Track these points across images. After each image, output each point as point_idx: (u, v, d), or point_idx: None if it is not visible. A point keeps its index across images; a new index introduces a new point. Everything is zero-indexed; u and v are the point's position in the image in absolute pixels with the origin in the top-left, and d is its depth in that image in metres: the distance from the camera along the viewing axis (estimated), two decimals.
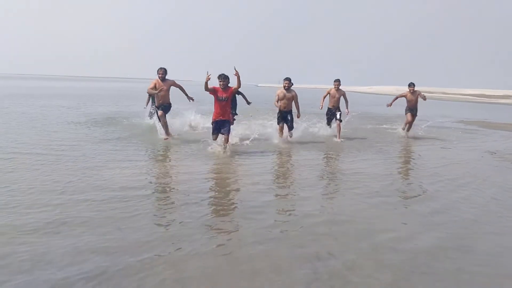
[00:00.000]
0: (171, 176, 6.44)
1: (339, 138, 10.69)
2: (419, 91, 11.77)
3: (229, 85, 8.31)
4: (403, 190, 6.26)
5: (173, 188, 5.77)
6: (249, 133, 10.08)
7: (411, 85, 11.69)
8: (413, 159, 9.10)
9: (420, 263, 3.63)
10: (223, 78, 8.06)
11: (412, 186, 6.54)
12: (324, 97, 11.49)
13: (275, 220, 4.61)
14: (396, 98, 11.94)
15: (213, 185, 5.97)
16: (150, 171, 6.68)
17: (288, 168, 7.56)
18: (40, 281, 3.03)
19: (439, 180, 6.86)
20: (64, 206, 4.65)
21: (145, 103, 12.91)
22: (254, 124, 11.84)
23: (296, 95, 9.93)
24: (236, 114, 10.47)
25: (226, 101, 8.15)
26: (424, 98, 11.47)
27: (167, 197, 5.34)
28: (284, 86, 9.84)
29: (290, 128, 10.07)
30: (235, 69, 7.89)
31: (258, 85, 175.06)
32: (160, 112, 9.39)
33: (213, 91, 8.11)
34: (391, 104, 11.81)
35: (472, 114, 25.73)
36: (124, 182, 5.75)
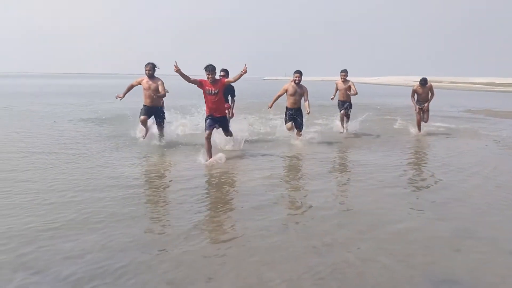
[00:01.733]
0: (185, 172, 6.48)
1: (343, 128, 10.64)
2: (430, 85, 10.66)
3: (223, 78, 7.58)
4: (415, 180, 6.27)
5: (184, 184, 5.82)
6: (247, 134, 9.03)
7: (423, 83, 10.54)
8: (422, 149, 9.07)
9: (435, 253, 3.66)
10: (211, 70, 6.95)
11: (423, 176, 6.56)
12: (336, 91, 10.76)
13: (288, 214, 4.67)
14: (414, 97, 10.79)
15: (224, 180, 6.00)
16: (155, 167, 6.75)
17: (297, 162, 7.56)
18: (63, 276, 3.11)
19: (450, 169, 6.87)
20: (86, 202, 4.74)
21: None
22: (255, 123, 11.47)
23: (307, 90, 8.75)
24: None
25: (217, 95, 7.11)
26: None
27: (180, 192, 5.39)
28: (295, 80, 8.65)
29: (299, 128, 9.02)
30: (245, 66, 6.99)
31: (265, 78, 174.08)
32: (143, 118, 8.22)
33: (199, 84, 7.11)
34: (416, 108, 10.65)
35: (480, 103, 25.45)
36: (137, 179, 5.85)
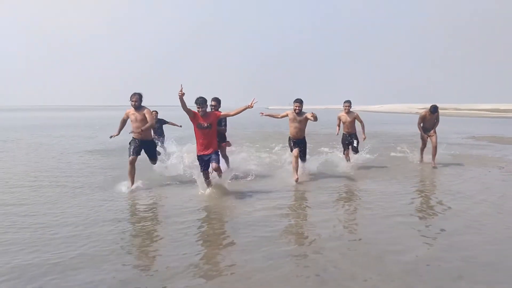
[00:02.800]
0: (187, 204, 6.46)
1: (347, 159, 9.84)
2: (437, 114, 10.21)
3: (218, 109, 7.19)
4: (423, 208, 6.19)
5: (186, 216, 5.79)
6: (248, 167, 8.82)
7: (433, 110, 10.04)
8: (427, 176, 8.92)
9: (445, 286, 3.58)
10: (200, 103, 6.43)
11: (431, 204, 6.48)
12: (338, 125, 10.03)
13: (294, 245, 4.60)
14: (421, 124, 10.32)
15: (226, 209, 5.98)
16: (159, 200, 6.74)
17: (302, 191, 7.44)
18: None
19: (457, 197, 6.80)
20: (94, 236, 4.73)
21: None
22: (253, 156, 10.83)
23: (307, 118, 8.07)
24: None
25: (210, 129, 6.59)
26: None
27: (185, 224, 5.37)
28: (295, 110, 8.02)
29: (302, 157, 8.37)
30: (253, 101, 6.48)
31: (269, 107, 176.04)
32: (131, 158, 7.25)
33: (192, 115, 6.60)
34: (423, 136, 10.24)
35: (484, 129, 25.39)
36: (137, 213, 5.85)
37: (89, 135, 19.79)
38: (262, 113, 8.06)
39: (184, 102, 6.40)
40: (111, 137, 7.50)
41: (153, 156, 7.74)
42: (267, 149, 12.82)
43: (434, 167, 9.71)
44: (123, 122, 7.53)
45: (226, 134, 8.23)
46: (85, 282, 3.54)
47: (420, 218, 5.68)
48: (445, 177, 8.66)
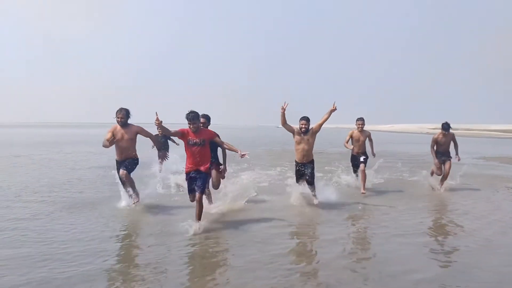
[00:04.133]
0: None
1: (363, 189, 8.66)
2: (452, 134, 9.36)
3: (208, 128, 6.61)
4: (435, 227, 6.14)
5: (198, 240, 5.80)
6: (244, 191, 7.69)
7: (445, 127, 9.19)
8: (437, 196, 8.73)
9: None
10: (191, 119, 5.79)
11: (443, 223, 6.43)
12: (348, 141, 9.13)
13: (304, 263, 4.58)
14: (433, 147, 9.40)
15: (229, 229, 5.98)
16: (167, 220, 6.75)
17: (310, 209, 7.30)
18: None
19: (469, 217, 6.74)
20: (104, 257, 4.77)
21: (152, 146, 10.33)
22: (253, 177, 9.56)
23: (314, 127, 7.44)
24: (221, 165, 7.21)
25: (203, 146, 5.90)
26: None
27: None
28: (301, 128, 7.32)
29: (310, 183, 7.48)
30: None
31: (279, 126, 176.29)
32: (122, 172, 6.74)
33: (181, 134, 5.92)
34: (437, 161, 9.22)
35: (495, 150, 25.05)
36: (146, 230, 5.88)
37: (100, 151, 20.02)
38: (284, 106, 6.94)
39: (166, 128, 5.87)
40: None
41: (125, 166, 6.80)
42: (276, 168, 12.78)
43: (439, 190, 9.11)
44: (112, 141, 6.70)
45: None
46: None
47: (432, 237, 5.61)
48: (455, 197, 8.57)
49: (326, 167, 12.01)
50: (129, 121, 6.90)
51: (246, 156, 5.90)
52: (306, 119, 7.37)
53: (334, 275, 4.11)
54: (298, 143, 7.37)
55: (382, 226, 6.09)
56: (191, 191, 6.01)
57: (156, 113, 5.62)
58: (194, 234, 5.39)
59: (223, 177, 7.25)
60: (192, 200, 6.03)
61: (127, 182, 6.77)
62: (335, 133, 36.02)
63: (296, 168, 7.55)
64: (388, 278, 4.07)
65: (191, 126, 5.83)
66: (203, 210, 5.87)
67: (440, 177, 9.29)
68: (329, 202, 7.64)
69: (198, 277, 4.09)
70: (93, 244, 5.00)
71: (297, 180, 7.62)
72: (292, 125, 7.27)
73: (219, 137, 6.15)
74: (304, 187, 7.54)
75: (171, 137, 9.98)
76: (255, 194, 7.97)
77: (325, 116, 7.12)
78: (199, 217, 5.69)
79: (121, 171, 6.76)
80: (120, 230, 5.67)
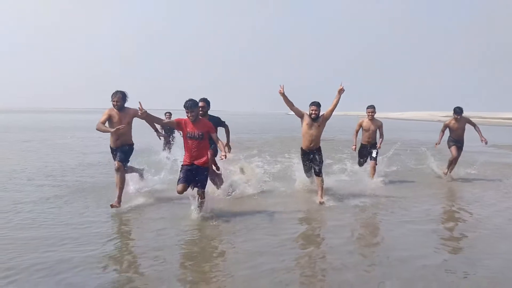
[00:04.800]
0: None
1: (372, 175, 8.42)
2: (467, 118, 8.97)
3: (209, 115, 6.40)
4: (444, 215, 6.15)
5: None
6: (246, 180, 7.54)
7: (457, 111, 8.71)
8: (446, 184, 8.64)
9: None
10: (190, 107, 5.42)
11: (452, 210, 6.43)
12: (357, 132, 8.74)
13: (311, 248, 4.63)
14: (443, 132, 9.03)
15: (238, 214, 6.04)
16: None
17: (314, 205, 6.69)
18: None
19: (479, 204, 6.71)
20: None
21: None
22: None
23: (325, 113, 6.90)
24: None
25: (202, 140, 5.52)
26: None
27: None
28: (311, 114, 6.84)
29: (318, 173, 6.83)
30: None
31: (289, 113, 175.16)
32: (117, 164, 6.12)
33: (177, 125, 5.59)
34: (439, 142, 9.03)
35: (507, 138, 24.70)
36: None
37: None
38: (281, 89, 6.47)
39: (156, 117, 5.56)
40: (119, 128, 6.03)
41: (121, 158, 6.17)
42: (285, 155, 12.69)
43: (445, 174, 8.98)
44: (104, 124, 6.09)
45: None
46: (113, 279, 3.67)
47: (441, 224, 5.63)
48: (465, 185, 8.53)
49: (335, 155, 11.97)
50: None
51: (222, 158, 5.42)
52: (317, 105, 6.84)
53: (342, 259, 4.15)
54: (307, 129, 6.88)
55: (391, 213, 6.10)
56: (182, 181, 5.47)
57: (139, 102, 5.29)
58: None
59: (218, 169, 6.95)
60: (180, 191, 5.45)
61: (119, 176, 6.08)
62: (346, 120, 35.68)
63: (302, 156, 7.09)
64: (396, 262, 4.10)
65: (189, 116, 5.43)
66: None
67: (450, 167, 8.98)
68: (338, 189, 7.62)
69: (206, 260, 4.17)
70: (105, 227, 5.14)
71: (306, 172, 7.20)
72: (300, 109, 6.89)
73: (216, 133, 5.67)
74: (313, 181, 7.13)
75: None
76: (265, 180, 8.00)
77: (335, 101, 6.76)
78: (201, 209, 5.55)
79: (116, 163, 6.16)
80: (131, 214, 5.76)
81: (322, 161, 6.94)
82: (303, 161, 7.11)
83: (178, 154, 10.72)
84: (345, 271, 3.85)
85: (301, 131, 6.97)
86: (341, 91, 6.71)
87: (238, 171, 8.32)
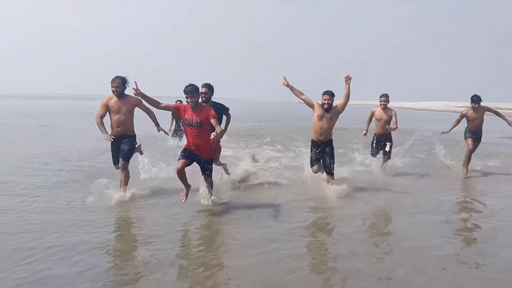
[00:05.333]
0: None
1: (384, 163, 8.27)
2: (486, 107, 8.34)
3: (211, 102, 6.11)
4: (456, 206, 6.11)
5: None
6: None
7: (475, 99, 8.07)
8: (460, 176, 8.37)
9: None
10: (190, 92, 5.09)
11: (466, 201, 6.39)
12: (369, 120, 8.48)
13: (321, 237, 4.67)
14: (458, 122, 8.44)
15: (247, 203, 6.09)
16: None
17: (323, 192, 6.49)
18: None
19: (493, 196, 6.67)
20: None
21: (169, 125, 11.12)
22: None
23: (338, 105, 6.41)
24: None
25: (200, 128, 5.16)
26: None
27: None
28: (323, 104, 6.35)
29: (328, 170, 6.51)
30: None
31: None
32: (121, 164, 5.87)
33: (176, 110, 5.34)
34: (448, 131, 8.47)
35: None
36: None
37: None
38: (284, 80, 6.28)
39: (151, 99, 5.21)
40: (107, 139, 5.72)
41: (124, 155, 5.88)
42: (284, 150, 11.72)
43: (465, 174, 8.21)
44: (102, 120, 5.85)
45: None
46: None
47: (454, 215, 5.61)
48: (479, 176, 8.37)
49: (348, 144, 11.84)
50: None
51: (212, 138, 4.83)
52: (330, 94, 6.35)
53: (352, 247, 4.18)
54: (317, 121, 6.41)
55: (403, 203, 6.08)
56: (183, 157, 5.20)
57: (135, 82, 5.06)
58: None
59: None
60: (180, 168, 5.14)
61: (127, 171, 5.90)
62: (362, 109, 35.22)
63: (311, 148, 6.66)
64: (407, 251, 4.12)
65: (189, 101, 5.10)
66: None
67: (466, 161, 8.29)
68: (349, 178, 7.54)
69: (218, 244, 4.25)
70: (120, 211, 5.27)
71: (312, 164, 6.69)
72: (311, 99, 6.44)
73: (216, 119, 5.16)
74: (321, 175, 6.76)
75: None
76: (277, 168, 7.99)
77: (345, 92, 6.12)
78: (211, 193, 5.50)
79: (121, 162, 5.87)
80: (145, 200, 5.83)
81: (333, 156, 6.52)
82: (312, 151, 6.67)
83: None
84: (355, 259, 3.88)
85: (312, 122, 6.57)
86: (347, 79, 6.11)
87: (250, 158, 8.41)
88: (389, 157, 8.31)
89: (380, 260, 3.90)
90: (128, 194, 5.84)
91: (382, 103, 8.19)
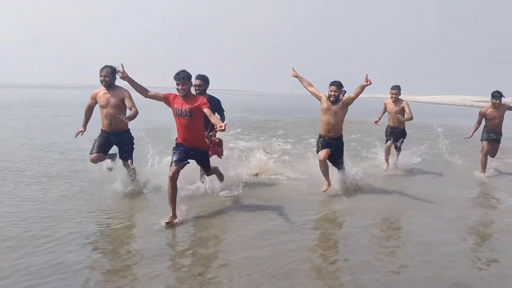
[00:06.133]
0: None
1: (386, 165, 7.82)
2: (508, 105, 7.62)
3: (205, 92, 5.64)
4: (471, 203, 6.04)
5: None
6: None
7: (496, 95, 7.43)
8: (474, 172, 8.31)
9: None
10: (182, 79, 4.57)
11: (484, 198, 6.32)
12: (383, 113, 8.06)
13: (331, 232, 4.68)
14: (479, 123, 7.78)
15: (259, 196, 6.11)
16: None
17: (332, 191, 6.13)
18: None
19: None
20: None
21: None
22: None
23: (348, 97, 5.92)
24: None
25: (191, 118, 4.63)
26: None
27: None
28: (330, 96, 5.89)
29: (339, 166, 6.13)
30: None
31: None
32: (93, 156, 5.41)
33: (165, 100, 4.76)
34: (471, 135, 7.93)
35: None
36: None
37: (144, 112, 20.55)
38: (293, 71, 6.09)
39: (138, 85, 4.74)
40: (77, 134, 5.74)
41: (127, 152, 5.59)
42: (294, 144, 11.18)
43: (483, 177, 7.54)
44: (89, 111, 5.70)
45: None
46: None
47: (468, 211, 5.50)
48: (494, 173, 8.06)
49: (362, 137, 11.69)
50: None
51: (223, 127, 4.14)
52: (337, 85, 5.84)
53: (363, 241, 4.20)
54: (324, 113, 5.94)
55: (415, 198, 5.99)
56: (177, 162, 4.66)
57: (121, 64, 4.64)
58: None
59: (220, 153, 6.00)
60: (174, 173, 4.59)
61: (130, 170, 5.59)
62: (376, 102, 34.69)
63: (320, 140, 6.11)
64: (418, 246, 4.10)
65: (180, 88, 4.60)
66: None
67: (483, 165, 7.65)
68: (361, 173, 7.14)
69: (228, 236, 4.30)
70: (133, 201, 5.35)
71: (319, 149, 6.07)
72: (319, 91, 6.04)
73: (210, 109, 4.59)
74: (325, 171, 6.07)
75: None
76: (289, 161, 7.99)
77: (357, 91, 5.71)
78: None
79: (128, 163, 5.59)
80: (156, 192, 5.79)
81: (342, 155, 6.06)
82: (318, 144, 6.11)
83: None
84: (366, 253, 3.90)
85: (320, 115, 6.09)
86: (365, 86, 5.65)
87: (261, 151, 8.41)
88: (399, 150, 7.97)
89: (391, 254, 3.91)
90: (140, 184, 5.73)
91: (394, 95, 7.74)
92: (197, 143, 4.79)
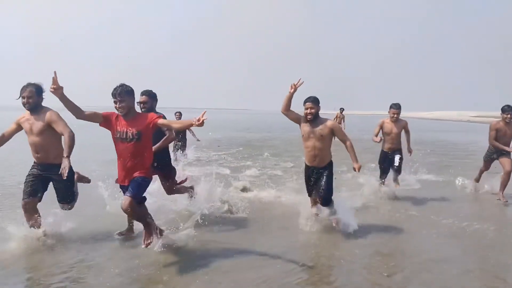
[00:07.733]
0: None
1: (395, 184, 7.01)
2: None
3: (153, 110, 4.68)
4: (476, 218, 5.94)
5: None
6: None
7: (506, 109, 6.62)
8: (476, 185, 7.73)
9: None
10: (118, 95, 3.76)
11: (489, 211, 6.29)
12: (377, 134, 6.80)
13: (331, 247, 4.60)
14: (495, 139, 6.74)
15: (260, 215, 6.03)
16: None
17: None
18: None
19: None
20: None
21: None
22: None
23: (338, 128, 5.12)
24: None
25: (138, 142, 3.80)
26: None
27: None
28: (306, 115, 4.92)
29: (325, 198, 4.91)
30: (202, 117, 3.42)
31: None
32: (24, 202, 4.22)
33: (102, 120, 3.86)
34: (489, 166, 7.24)
35: None
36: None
37: None
38: (296, 85, 4.65)
39: (74, 105, 3.69)
40: None
41: (63, 196, 4.37)
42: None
43: (500, 200, 6.70)
44: (3, 138, 4.24)
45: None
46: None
47: (472, 226, 5.33)
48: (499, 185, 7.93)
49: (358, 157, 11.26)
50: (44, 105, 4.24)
51: (202, 118, 3.40)
52: (313, 101, 4.82)
53: (361, 260, 4.15)
54: (306, 138, 4.92)
55: (416, 215, 5.89)
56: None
57: (54, 72, 3.50)
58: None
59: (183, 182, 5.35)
60: (125, 210, 3.76)
61: (34, 217, 4.24)
62: (374, 119, 34.79)
63: (305, 174, 5.18)
64: (420, 267, 3.99)
65: (117, 107, 3.79)
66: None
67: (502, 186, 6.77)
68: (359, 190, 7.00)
69: (226, 255, 4.18)
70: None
71: (309, 193, 5.21)
72: (297, 112, 4.97)
73: (164, 117, 4.00)
74: (318, 209, 5.28)
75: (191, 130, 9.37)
76: (287, 179, 7.89)
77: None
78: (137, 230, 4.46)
79: (63, 206, 4.47)
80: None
81: (331, 186, 4.91)
82: (306, 180, 5.19)
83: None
84: (365, 273, 3.83)
85: (303, 141, 5.05)
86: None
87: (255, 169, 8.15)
88: (399, 172, 6.99)
89: (391, 275, 3.80)
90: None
91: (394, 115, 6.83)
92: (137, 173, 3.85)
